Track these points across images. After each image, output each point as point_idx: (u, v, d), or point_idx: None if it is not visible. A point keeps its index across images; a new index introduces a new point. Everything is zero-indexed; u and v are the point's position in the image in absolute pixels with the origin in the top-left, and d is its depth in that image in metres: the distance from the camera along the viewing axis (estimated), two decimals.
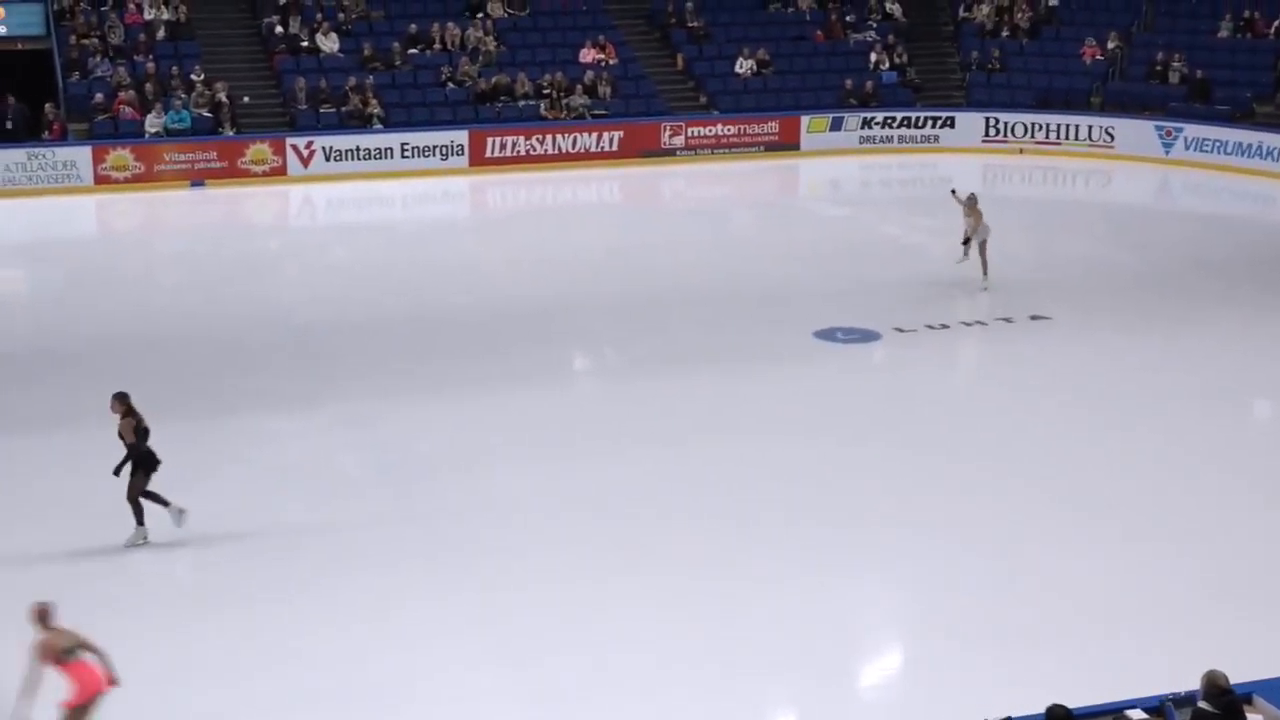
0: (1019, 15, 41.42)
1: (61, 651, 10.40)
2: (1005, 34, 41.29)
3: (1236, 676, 9.93)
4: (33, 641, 10.40)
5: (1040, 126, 38.58)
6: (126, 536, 14.40)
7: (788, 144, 38.30)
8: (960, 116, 39.14)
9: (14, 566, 13.98)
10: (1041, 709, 9.48)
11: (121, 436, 14.32)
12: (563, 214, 33.98)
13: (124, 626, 12.67)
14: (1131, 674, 11.60)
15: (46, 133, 34.02)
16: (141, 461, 14.33)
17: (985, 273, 24.27)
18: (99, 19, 36.42)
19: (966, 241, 24.44)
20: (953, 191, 25.28)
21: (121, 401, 14.46)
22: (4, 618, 11.76)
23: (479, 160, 35.90)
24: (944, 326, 22.20)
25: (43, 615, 10.52)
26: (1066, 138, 38.36)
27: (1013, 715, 9.72)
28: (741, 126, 38.12)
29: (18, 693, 10.28)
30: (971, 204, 24.41)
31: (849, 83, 39.39)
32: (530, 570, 13.89)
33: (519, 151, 36.29)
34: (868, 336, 21.73)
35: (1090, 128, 38.23)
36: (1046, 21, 41.61)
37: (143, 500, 14.41)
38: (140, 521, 14.42)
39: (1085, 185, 36.47)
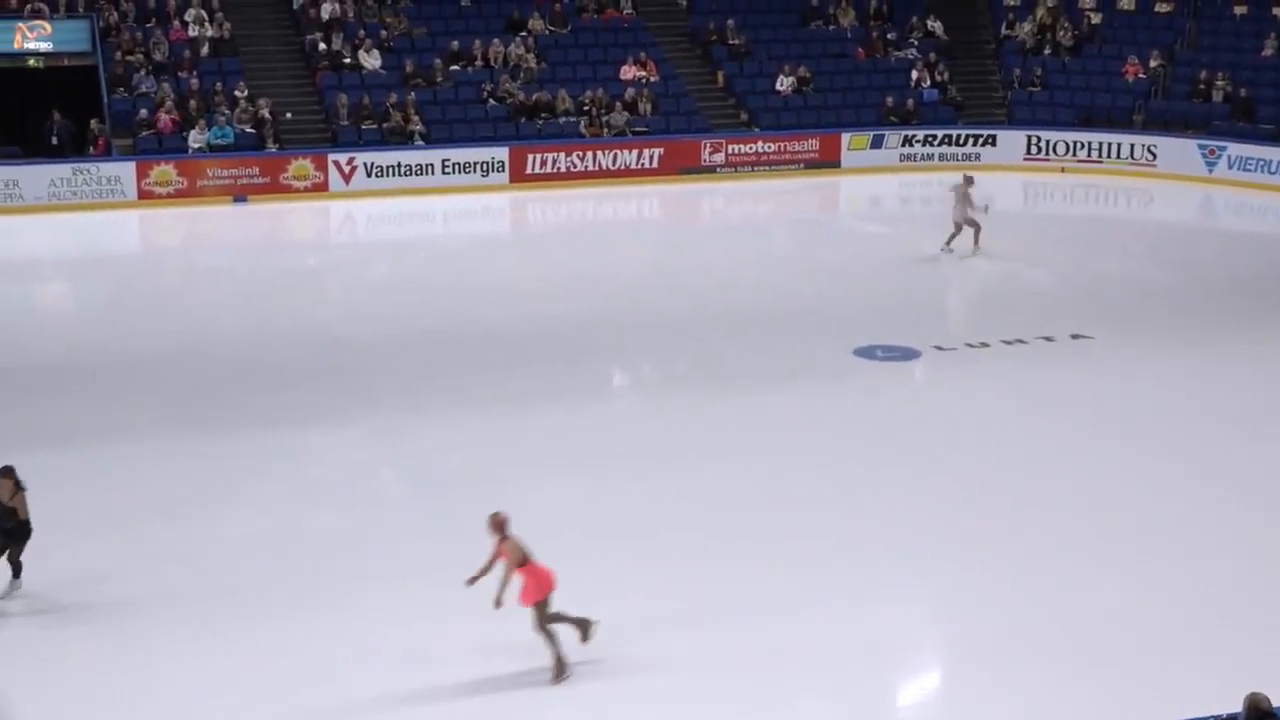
0: (1061, 33, 41.27)
1: (522, 555, 11.83)
2: (1047, 51, 41.15)
3: None
4: (499, 546, 11.85)
5: (1082, 145, 38.43)
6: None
7: (828, 161, 38.26)
8: (1002, 134, 39.02)
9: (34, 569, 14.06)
10: None
11: (15, 511, 13.36)
12: (603, 231, 34.02)
13: (154, 641, 12.77)
14: (1179, 693, 11.53)
15: (91, 148, 34.29)
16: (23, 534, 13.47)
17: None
18: (144, 35, 36.69)
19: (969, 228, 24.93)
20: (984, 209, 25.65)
21: (9, 475, 13.43)
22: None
23: (519, 177, 35.98)
24: (984, 345, 22.10)
25: (501, 525, 11.94)
26: (1108, 156, 38.18)
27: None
28: (782, 144, 38.10)
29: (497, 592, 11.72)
30: (964, 187, 24.84)
31: (890, 100, 39.33)
32: (568, 587, 13.85)
33: (559, 168, 36.36)
34: (908, 354, 21.66)
35: (1132, 146, 38.04)
36: (1089, 39, 41.43)
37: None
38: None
39: (1127, 204, 36.30)
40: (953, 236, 26.83)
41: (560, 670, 12.05)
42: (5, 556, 13.50)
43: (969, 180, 25.49)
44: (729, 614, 13.42)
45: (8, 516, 13.34)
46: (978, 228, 26.99)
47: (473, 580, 12.12)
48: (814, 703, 12.07)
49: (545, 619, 11.97)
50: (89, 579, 14.06)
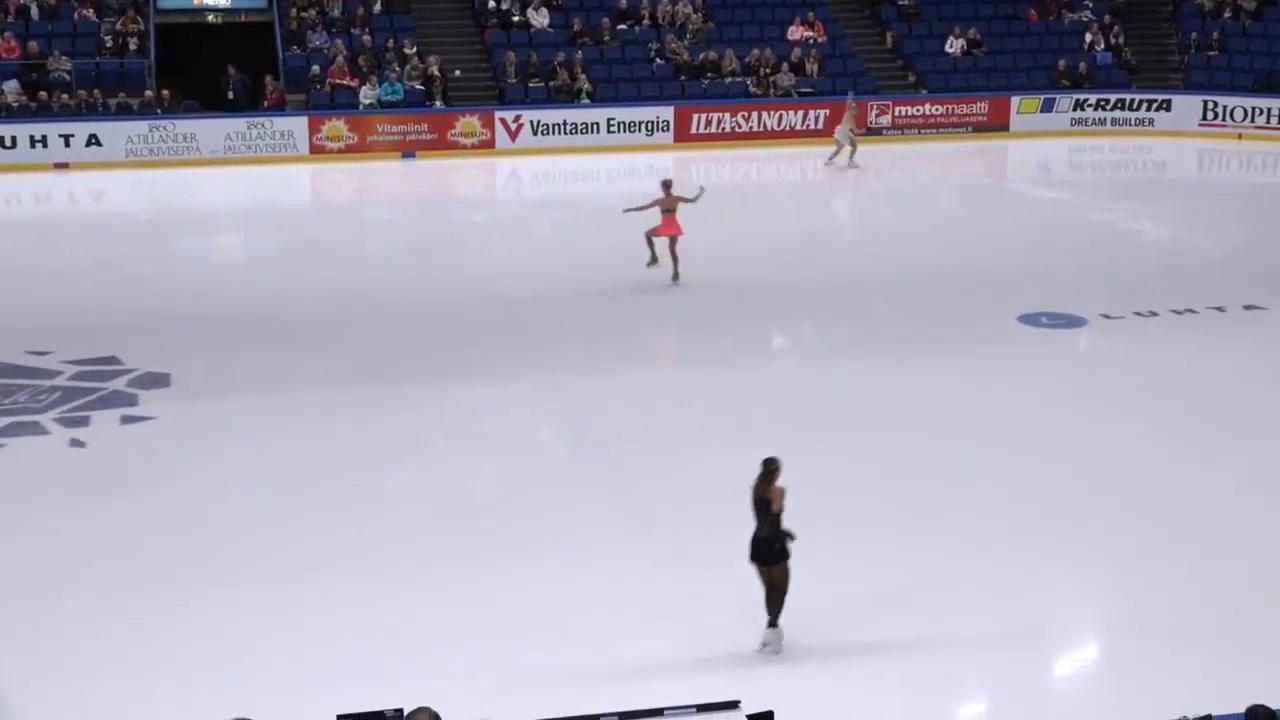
0: None
1: None
2: (1227, 15, 40.11)
3: None
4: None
5: (1261, 111, 37.44)
6: None
7: (997, 125, 37.78)
8: (1177, 99, 38.20)
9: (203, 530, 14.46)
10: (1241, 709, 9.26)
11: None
12: (766, 192, 33.95)
13: (315, 584, 13.08)
14: None
15: (265, 103, 35.01)
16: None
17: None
18: None
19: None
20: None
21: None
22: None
23: (684, 136, 36.05)
24: (1153, 314, 21.71)
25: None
26: None
27: (1213, 714, 9.52)
28: (950, 106, 37.71)
29: None
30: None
31: (1062, 63, 38.67)
32: (723, 552, 13.89)
33: (724, 128, 36.36)
34: (1073, 322, 21.36)
35: None
36: (1271, 2, 40.26)
37: None
38: None
39: None
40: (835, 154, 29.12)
41: None
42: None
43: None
44: (880, 591, 13.34)
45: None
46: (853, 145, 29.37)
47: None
48: (979, 671, 11.98)
49: None
50: (260, 526, 14.45)
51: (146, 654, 11.89)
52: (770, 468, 11.89)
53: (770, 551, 11.77)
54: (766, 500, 11.82)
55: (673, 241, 23.17)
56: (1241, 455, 16.54)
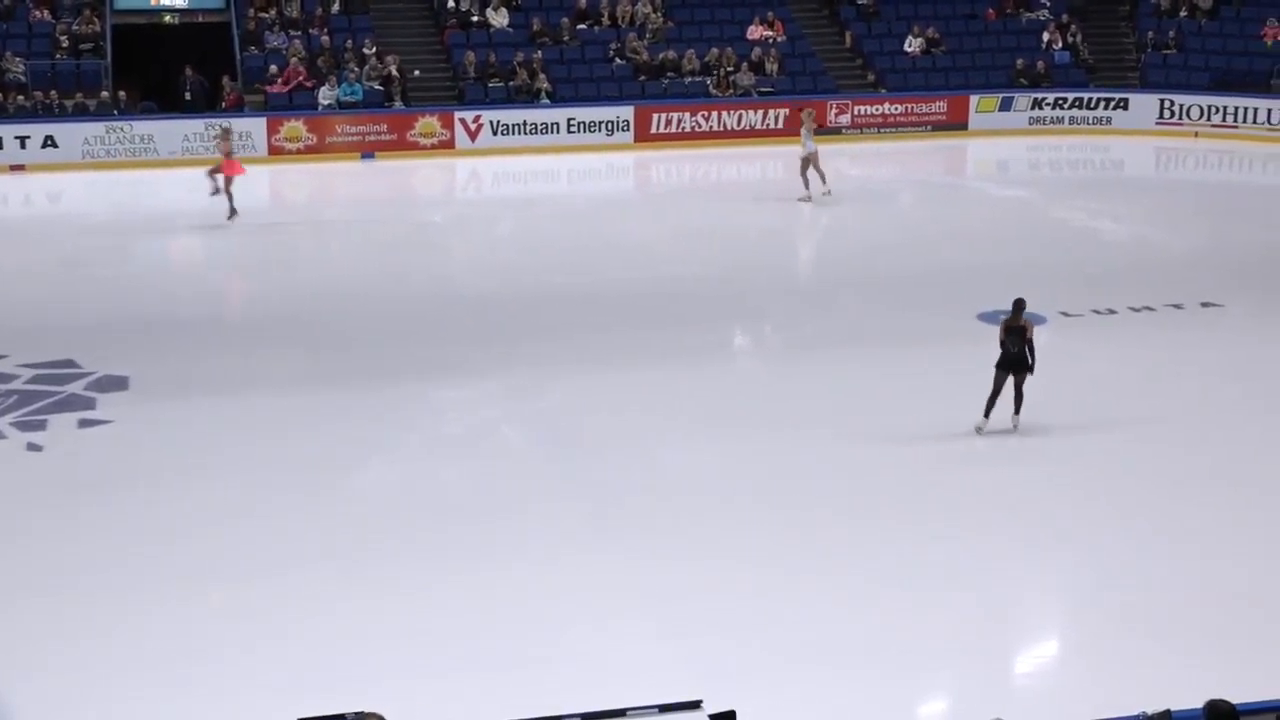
0: None
1: None
2: (1183, 13, 40.38)
3: None
4: None
5: (1217, 109, 37.71)
6: None
7: (955, 123, 37.93)
8: (1134, 98, 38.44)
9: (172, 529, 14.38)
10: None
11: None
12: (727, 191, 33.96)
13: (280, 588, 13.02)
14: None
15: (223, 104, 34.84)
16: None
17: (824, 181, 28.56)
18: None
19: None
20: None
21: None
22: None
23: (644, 136, 36.06)
24: (1111, 311, 21.83)
25: None
26: (1244, 121, 37.48)
27: (1172, 709, 9.55)
28: (909, 105, 37.83)
29: None
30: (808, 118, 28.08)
31: (1020, 62, 38.86)
32: (690, 548, 13.92)
33: (684, 128, 36.39)
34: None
35: (1269, 111, 37.32)
36: (1227, 1, 40.55)
37: None
38: None
39: (1263, 170, 35.58)
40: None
41: None
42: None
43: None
44: (851, 583, 13.38)
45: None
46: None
47: None
48: (933, 676, 12.02)
49: None
50: (220, 528, 14.36)
51: (105, 659, 11.81)
52: (1020, 305, 16.62)
53: (1023, 365, 16.55)
54: (1021, 328, 16.56)
55: (228, 181, 27.22)
56: (1201, 450, 16.65)
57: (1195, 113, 37.86)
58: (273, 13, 36.69)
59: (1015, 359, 16.53)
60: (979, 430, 16.67)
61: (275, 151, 34.11)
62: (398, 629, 12.33)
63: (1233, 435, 17.13)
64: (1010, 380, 16.60)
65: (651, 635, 12.27)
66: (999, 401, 16.66)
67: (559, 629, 12.38)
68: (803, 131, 29.19)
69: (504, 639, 12.22)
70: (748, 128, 36.78)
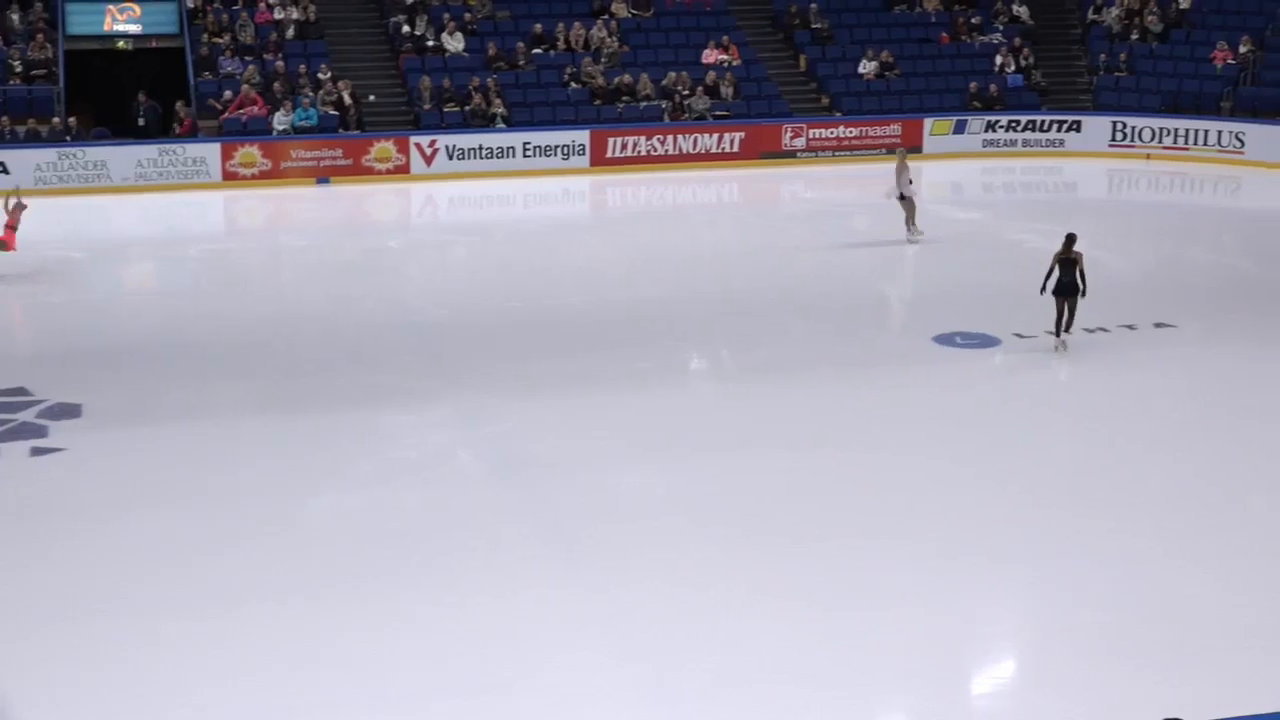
0: (1149, 18, 40.82)
1: None
2: (1134, 37, 40.72)
3: None
4: None
5: (1168, 131, 38.01)
6: None
7: (910, 146, 38.00)
8: (1087, 120, 38.69)
9: (128, 553, 14.26)
10: None
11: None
12: (683, 215, 34.03)
13: (235, 618, 12.91)
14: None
15: (177, 129, 34.71)
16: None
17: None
18: (230, 18, 37.10)
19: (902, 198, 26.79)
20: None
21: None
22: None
23: (600, 160, 36.09)
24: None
25: None
26: (1195, 143, 37.77)
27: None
28: (864, 129, 37.99)
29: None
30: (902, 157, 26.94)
31: (974, 85, 39.09)
32: (646, 571, 13.90)
33: (640, 152, 36.43)
34: (987, 342, 21.53)
35: (1220, 133, 37.63)
36: (1177, 24, 40.94)
37: None
38: None
39: (1214, 192, 35.87)
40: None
41: None
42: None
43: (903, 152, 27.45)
44: (808, 605, 13.38)
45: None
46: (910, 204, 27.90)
47: None
48: (891, 698, 12.02)
49: None
50: (177, 558, 14.25)
51: (53, 690, 11.67)
52: (1072, 238, 20.39)
53: (1074, 290, 20.20)
54: (1073, 260, 20.13)
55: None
56: (1155, 469, 16.73)
57: (1147, 135, 38.16)
58: (226, 38, 36.60)
59: (1067, 286, 20.14)
60: (1057, 349, 20.52)
61: (229, 177, 33.98)
62: (353, 658, 12.24)
63: (1187, 454, 17.23)
64: (1066, 304, 20.24)
65: (610, 660, 12.23)
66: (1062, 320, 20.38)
67: (516, 656, 12.31)
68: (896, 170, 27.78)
69: (461, 667, 12.15)
70: (703, 151, 36.87)
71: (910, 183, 27.30)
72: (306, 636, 12.61)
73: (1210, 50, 39.40)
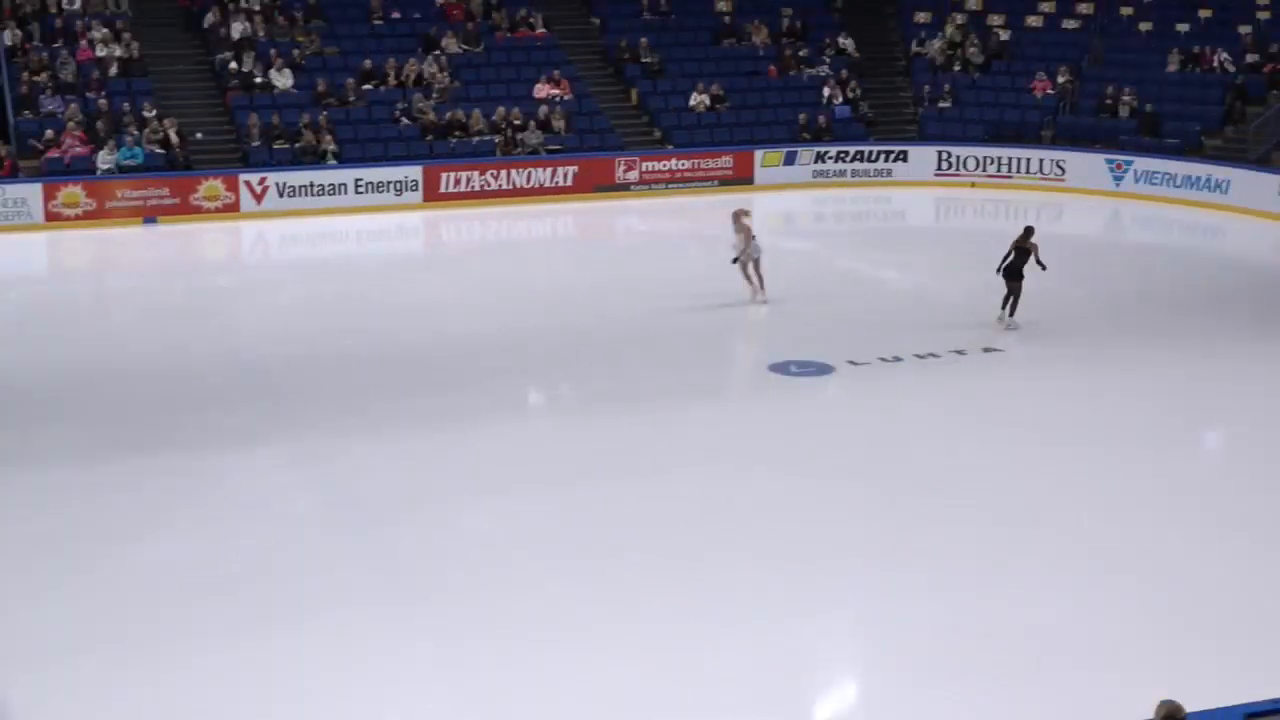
0: (970, 50, 41.75)
1: None
2: (957, 68, 41.61)
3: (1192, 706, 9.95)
4: None
5: (992, 160, 38.88)
6: None
7: (742, 178, 38.45)
8: (913, 150, 39.40)
9: None
10: None
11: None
12: (518, 249, 33.96)
13: (63, 670, 12.57)
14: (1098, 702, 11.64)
15: None
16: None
17: (761, 287, 25.39)
18: (50, 56, 36.27)
19: (735, 261, 25.18)
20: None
21: None
22: None
23: (433, 195, 35.89)
24: (897, 359, 22.27)
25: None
26: (1018, 171, 38.68)
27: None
28: (696, 161, 38.26)
29: None
30: (739, 218, 25.18)
31: (803, 117, 39.60)
32: (491, 611, 13.80)
33: (473, 187, 36.29)
34: (822, 370, 21.78)
35: (1041, 161, 38.58)
36: (998, 56, 41.94)
37: None
38: None
39: (1036, 218, 36.29)
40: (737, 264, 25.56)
41: None
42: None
43: (740, 214, 25.63)
44: (651, 631, 13.39)
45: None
46: (755, 263, 25.77)
47: None
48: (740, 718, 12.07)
49: None
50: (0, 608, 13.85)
51: None
52: (1030, 229, 23.54)
53: (1018, 274, 23.23)
54: (1027, 249, 23.16)
55: None
56: (989, 491, 17.02)
57: (971, 163, 38.98)
58: (46, 76, 35.78)
59: (1017, 271, 23.16)
60: (1007, 326, 23.44)
61: (52, 218, 33.16)
62: (192, 707, 11.98)
63: (1027, 478, 17.57)
64: (1013, 288, 23.22)
65: (449, 707, 12.11)
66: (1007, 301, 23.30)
67: (355, 701, 12.14)
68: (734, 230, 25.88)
69: (299, 711, 11.94)
70: (537, 186, 36.83)
71: (754, 238, 25.94)
72: (132, 688, 12.31)
73: (1030, 80, 40.41)
